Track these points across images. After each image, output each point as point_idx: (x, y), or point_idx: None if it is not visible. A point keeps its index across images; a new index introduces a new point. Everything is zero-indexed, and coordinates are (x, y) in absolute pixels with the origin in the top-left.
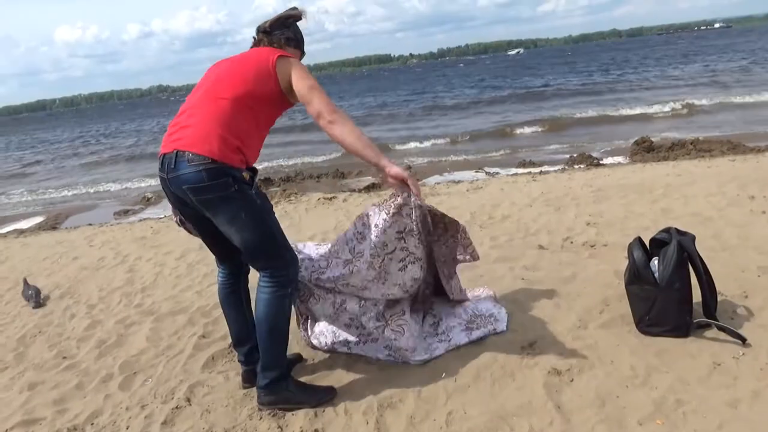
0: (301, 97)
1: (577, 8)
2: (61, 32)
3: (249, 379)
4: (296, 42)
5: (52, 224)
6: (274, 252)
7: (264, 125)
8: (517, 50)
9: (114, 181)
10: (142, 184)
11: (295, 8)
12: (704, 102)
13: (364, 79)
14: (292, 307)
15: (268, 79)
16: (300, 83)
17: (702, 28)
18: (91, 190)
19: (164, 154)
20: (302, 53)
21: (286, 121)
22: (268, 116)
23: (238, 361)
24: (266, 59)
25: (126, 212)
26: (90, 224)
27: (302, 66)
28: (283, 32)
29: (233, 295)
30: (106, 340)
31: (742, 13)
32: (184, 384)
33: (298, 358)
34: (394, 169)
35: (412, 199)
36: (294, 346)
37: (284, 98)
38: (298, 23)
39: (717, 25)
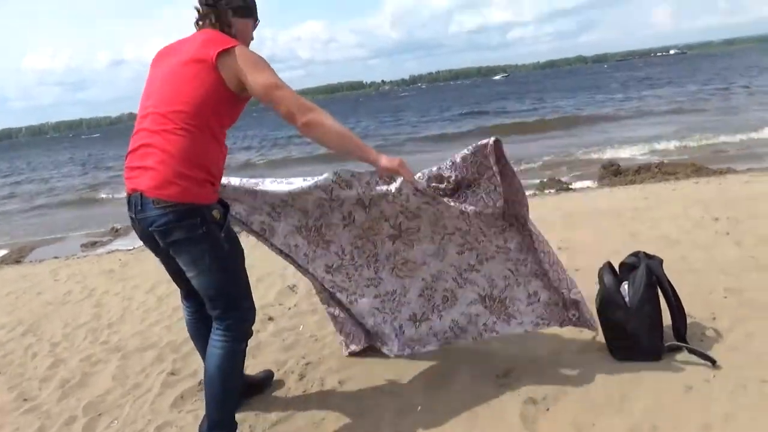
0: (260, 96)
1: (543, 35)
2: (30, 60)
3: None
4: (247, 10)
5: (16, 258)
6: (233, 302)
7: (223, 132)
8: (502, 75)
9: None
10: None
11: None
12: None
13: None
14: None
15: (214, 86)
16: (255, 83)
17: (659, 54)
18: (60, 222)
19: (130, 195)
20: (255, 20)
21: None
22: (227, 121)
23: None
24: (205, 59)
25: (93, 244)
26: (56, 257)
27: (251, 57)
28: (229, 1)
29: (203, 327)
30: (70, 379)
31: (701, 39)
32: (151, 425)
33: (269, 376)
34: (383, 163)
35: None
36: (267, 364)
37: (237, 98)
38: None
39: (672, 52)
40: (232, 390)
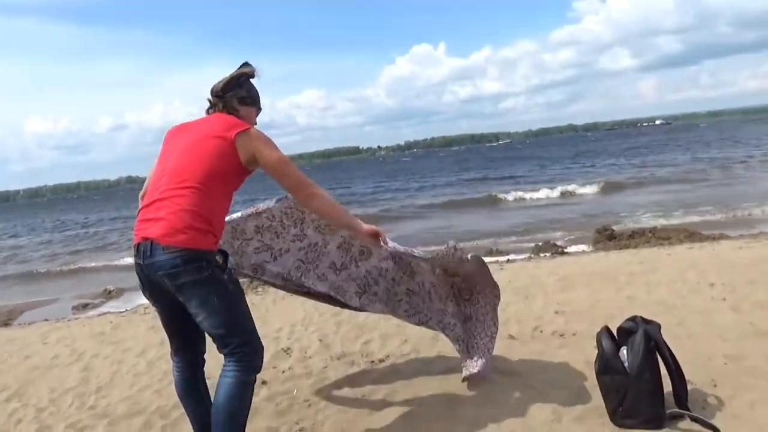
0: (271, 170)
1: (535, 105)
2: (31, 124)
3: None
4: (251, 99)
5: (5, 321)
6: (243, 337)
7: (228, 197)
8: (506, 141)
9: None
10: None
11: (246, 64)
12: None
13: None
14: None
15: (228, 158)
16: (269, 159)
17: (645, 124)
18: (53, 285)
19: (139, 243)
20: (258, 109)
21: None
22: (232, 188)
23: None
24: (225, 137)
25: (85, 306)
26: (46, 320)
27: (264, 138)
28: (236, 92)
29: (192, 387)
30: None
31: (686, 111)
32: None
33: None
34: (366, 229)
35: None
36: (260, 430)
37: (245, 170)
38: (251, 80)
39: (658, 122)
40: (240, 423)
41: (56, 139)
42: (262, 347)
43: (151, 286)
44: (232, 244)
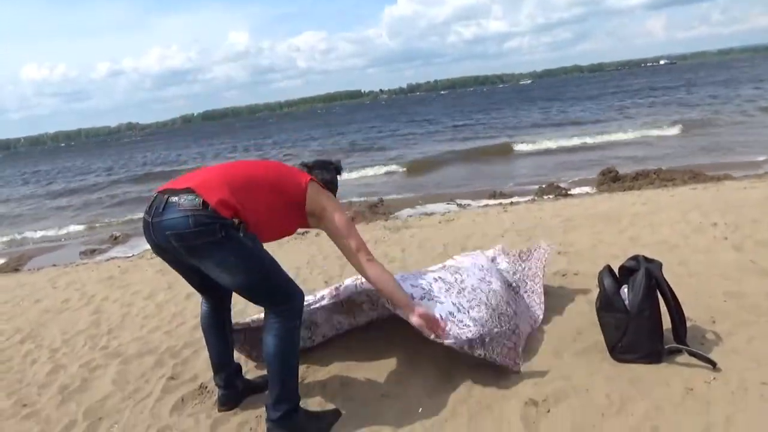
0: (337, 227)
1: (540, 45)
2: (28, 71)
3: (226, 402)
4: (332, 185)
5: (14, 266)
6: (273, 288)
7: (274, 215)
8: (529, 81)
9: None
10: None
11: (338, 160)
12: None
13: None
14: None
15: (296, 189)
16: (335, 216)
17: (649, 64)
18: (58, 232)
19: (157, 195)
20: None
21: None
22: (282, 211)
23: (216, 385)
24: (301, 175)
25: (92, 252)
26: (54, 265)
27: (336, 199)
28: (322, 172)
29: (217, 322)
30: (69, 385)
31: (696, 49)
32: (152, 429)
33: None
34: (419, 311)
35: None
36: None
37: (302, 212)
38: (336, 173)
39: (662, 62)
40: (292, 366)
41: (54, 86)
42: (299, 290)
43: (155, 247)
44: None
